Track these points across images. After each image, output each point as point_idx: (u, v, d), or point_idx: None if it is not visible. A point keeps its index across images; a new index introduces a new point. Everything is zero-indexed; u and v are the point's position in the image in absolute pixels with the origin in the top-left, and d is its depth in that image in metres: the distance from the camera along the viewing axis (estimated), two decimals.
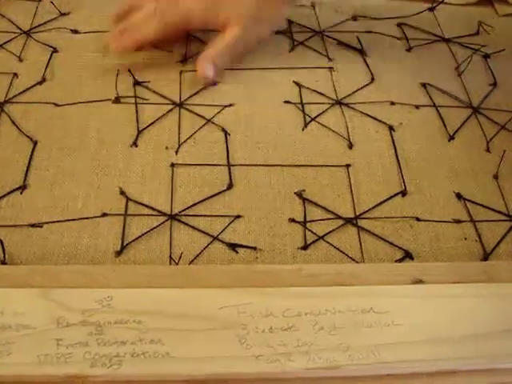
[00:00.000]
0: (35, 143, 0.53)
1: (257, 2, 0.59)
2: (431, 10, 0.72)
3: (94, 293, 0.40)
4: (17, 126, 0.54)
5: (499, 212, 0.51)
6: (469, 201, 0.52)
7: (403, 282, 0.43)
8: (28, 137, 0.53)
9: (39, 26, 0.65)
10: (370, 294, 0.42)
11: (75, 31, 0.65)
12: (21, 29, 0.64)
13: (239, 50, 0.61)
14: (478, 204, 0.51)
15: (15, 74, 0.59)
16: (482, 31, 0.70)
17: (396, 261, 0.47)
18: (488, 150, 0.56)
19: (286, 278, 0.43)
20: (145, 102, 0.58)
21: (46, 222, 0.47)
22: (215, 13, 0.59)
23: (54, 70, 0.60)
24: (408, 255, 0.47)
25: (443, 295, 0.42)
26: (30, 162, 0.51)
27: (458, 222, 0.50)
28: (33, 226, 0.47)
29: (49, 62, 0.61)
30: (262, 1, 0.59)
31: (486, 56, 0.66)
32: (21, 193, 0.49)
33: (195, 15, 0.59)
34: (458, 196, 0.52)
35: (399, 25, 0.69)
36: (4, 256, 0.45)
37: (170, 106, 0.58)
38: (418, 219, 0.50)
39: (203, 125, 0.56)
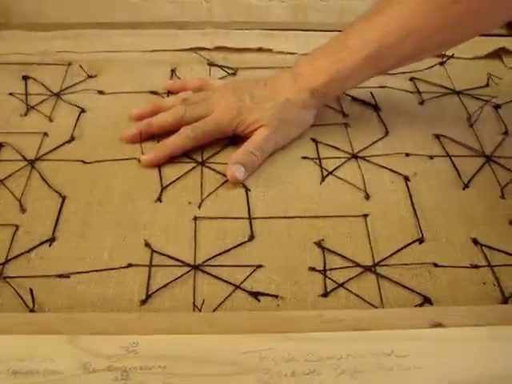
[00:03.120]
0: (64, 198, 0.56)
1: (282, 107, 0.61)
2: (442, 64, 0.74)
3: (119, 339, 0.41)
4: (46, 182, 0.57)
5: None
6: (485, 246, 0.52)
7: (422, 326, 0.43)
8: (57, 192, 0.56)
9: (68, 88, 0.69)
10: (390, 338, 0.42)
11: (101, 92, 0.69)
12: (51, 91, 0.68)
13: (268, 151, 0.61)
14: (494, 249, 0.52)
15: (45, 134, 0.62)
16: (492, 83, 0.72)
17: (415, 306, 0.48)
18: (502, 197, 0.57)
19: (307, 323, 0.44)
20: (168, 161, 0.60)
21: (74, 273, 0.49)
22: (243, 119, 0.61)
23: (82, 129, 0.64)
24: (427, 300, 0.48)
25: (463, 338, 0.43)
26: (58, 216, 0.54)
27: (476, 267, 0.51)
28: (60, 276, 0.49)
29: (77, 121, 0.64)
30: (288, 105, 0.61)
31: (497, 106, 0.68)
32: (50, 245, 0.52)
33: (225, 124, 0.61)
34: (475, 242, 0.53)
35: (411, 79, 0.72)
36: (33, 304, 0.46)
37: (193, 165, 0.60)
38: (435, 265, 0.51)
39: (224, 181, 0.58)
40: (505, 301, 0.48)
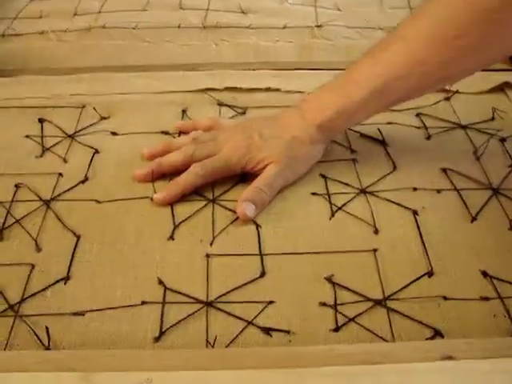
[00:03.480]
0: (78, 237, 0.57)
1: (290, 143, 0.62)
2: (447, 99, 0.76)
3: (134, 375, 0.42)
4: (61, 222, 0.58)
5: None
6: (495, 278, 0.53)
7: (433, 359, 0.44)
8: (72, 231, 0.57)
9: (82, 129, 0.70)
10: (402, 371, 0.43)
11: (115, 133, 0.70)
12: (66, 133, 0.70)
13: (278, 187, 0.62)
14: (504, 281, 0.53)
15: (60, 174, 0.64)
16: (497, 116, 0.73)
17: (426, 339, 0.48)
18: (511, 228, 0.58)
19: (318, 358, 0.44)
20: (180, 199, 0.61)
21: (88, 311, 0.50)
22: (253, 157, 0.62)
23: (96, 169, 0.65)
24: (437, 333, 0.48)
25: (474, 371, 0.43)
26: (73, 255, 0.55)
27: (486, 299, 0.51)
28: (75, 314, 0.50)
29: (91, 162, 0.66)
30: (296, 141, 0.63)
31: (503, 139, 0.69)
32: (65, 283, 0.53)
33: (234, 162, 0.62)
34: (484, 274, 0.53)
35: (418, 115, 0.73)
36: (48, 342, 0.47)
37: (204, 202, 0.61)
38: (445, 298, 0.51)
39: (235, 219, 0.59)
40: None
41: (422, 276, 0.53)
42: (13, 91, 0.76)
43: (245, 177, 0.64)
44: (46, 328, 0.48)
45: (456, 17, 0.57)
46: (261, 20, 0.93)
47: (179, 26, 0.91)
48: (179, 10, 0.96)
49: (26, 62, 0.84)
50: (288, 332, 0.49)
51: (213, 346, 0.47)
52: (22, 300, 0.51)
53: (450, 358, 0.44)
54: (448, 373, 0.43)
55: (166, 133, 0.71)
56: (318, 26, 0.91)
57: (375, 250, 0.56)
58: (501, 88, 0.78)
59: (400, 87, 0.60)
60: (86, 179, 0.64)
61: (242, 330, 0.49)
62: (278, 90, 0.78)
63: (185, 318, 0.50)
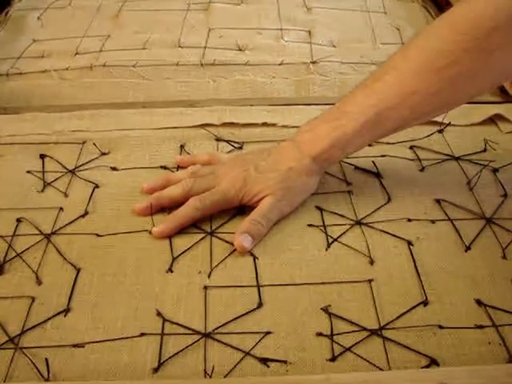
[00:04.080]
0: (78, 270, 0.58)
1: (286, 175, 0.64)
2: (440, 131, 0.77)
3: None
4: (62, 255, 0.59)
5: None
6: (489, 306, 0.54)
7: None
8: (72, 264, 0.58)
9: (83, 165, 0.72)
10: None
11: (114, 168, 0.72)
12: (67, 168, 0.71)
13: (274, 219, 0.63)
14: (498, 309, 0.53)
15: (61, 209, 0.65)
16: (489, 148, 0.74)
17: (422, 368, 0.48)
18: (504, 257, 0.59)
19: None
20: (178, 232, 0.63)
21: (88, 342, 0.51)
22: (249, 189, 0.63)
23: (96, 203, 0.66)
24: (433, 362, 0.49)
25: None
26: (73, 288, 0.56)
27: (481, 327, 0.52)
28: (75, 346, 0.51)
29: (91, 196, 0.67)
30: (291, 173, 0.64)
31: (495, 170, 0.70)
32: (65, 315, 0.53)
33: (231, 195, 0.63)
34: (479, 302, 0.54)
35: (411, 147, 0.75)
36: (48, 374, 0.48)
37: (202, 235, 0.62)
38: (440, 327, 0.52)
39: (233, 250, 0.60)
40: (511, 360, 0.49)
41: (417, 305, 0.54)
42: (16, 128, 0.77)
43: (242, 209, 0.65)
44: (46, 360, 0.48)
45: (445, 47, 0.59)
46: (257, 57, 0.95)
47: (178, 64, 0.93)
48: (178, 49, 0.98)
49: (29, 100, 0.86)
50: (285, 362, 0.50)
51: (210, 376, 0.48)
52: (22, 332, 0.52)
53: None
54: None
55: (164, 167, 0.72)
56: (314, 62, 0.93)
57: (371, 281, 0.57)
58: (492, 120, 0.79)
59: (393, 117, 0.62)
60: (86, 213, 0.65)
61: (240, 361, 0.50)
62: (274, 124, 0.79)
63: (183, 350, 0.50)
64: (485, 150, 0.74)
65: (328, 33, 1.03)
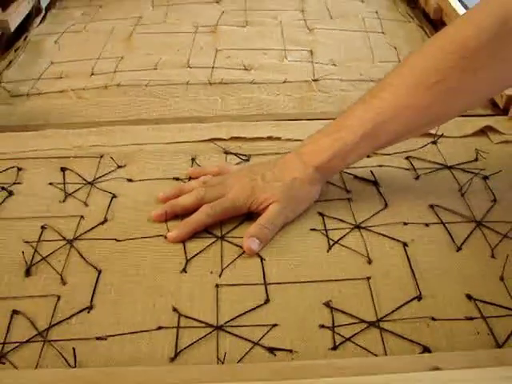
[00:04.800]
0: (99, 272, 0.63)
1: (291, 184, 0.68)
2: (434, 142, 0.82)
3: None
4: (84, 258, 0.64)
5: (507, 308, 0.57)
6: (479, 300, 0.58)
7: (422, 370, 0.49)
8: (93, 266, 0.63)
9: (101, 177, 0.77)
10: (393, 381, 0.47)
11: (130, 180, 0.76)
12: (86, 180, 0.76)
13: (280, 224, 0.68)
14: (487, 303, 0.58)
15: (82, 217, 0.70)
16: (480, 157, 0.79)
17: None
18: (493, 256, 0.63)
19: (318, 371, 0.49)
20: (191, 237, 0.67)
21: (110, 336, 0.56)
22: (256, 197, 0.68)
23: (114, 212, 0.71)
24: (426, 350, 0.53)
25: (458, 380, 0.47)
26: (95, 287, 0.61)
27: (470, 318, 0.56)
28: (98, 338, 0.55)
29: (109, 205, 0.72)
30: (295, 182, 0.68)
31: (485, 177, 0.75)
32: (88, 312, 0.58)
33: (240, 203, 0.68)
34: (469, 297, 0.59)
35: (407, 158, 0.79)
36: (75, 363, 0.53)
37: (213, 239, 0.67)
38: (433, 319, 0.56)
39: (242, 253, 0.65)
40: (498, 348, 0.53)
41: (411, 299, 0.58)
42: (38, 144, 0.82)
43: (250, 216, 0.69)
44: (73, 349, 0.53)
45: (436, 65, 0.64)
46: (262, 76, 1.00)
47: (187, 83, 0.98)
48: (187, 69, 1.03)
49: (48, 118, 0.91)
50: (290, 351, 0.54)
51: (223, 363, 0.52)
52: (50, 327, 0.57)
53: (437, 368, 0.49)
54: (435, 382, 0.48)
55: (177, 179, 0.77)
56: (315, 80, 0.98)
57: (369, 278, 0.61)
58: (483, 131, 0.84)
59: (389, 130, 0.67)
60: (105, 220, 0.70)
61: (249, 350, 0.54)
62: (278, 138, 0.84)
63: (197, 341, 0.55)
64: (476, 159, 0.78)
65: (329, 52, 1.08)
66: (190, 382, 0.48)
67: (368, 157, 0.79)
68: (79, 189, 0.75)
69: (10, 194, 0.74)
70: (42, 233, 0.68)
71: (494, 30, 0.61)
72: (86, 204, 0.72)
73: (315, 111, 0.92)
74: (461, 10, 1.07)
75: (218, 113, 0.92)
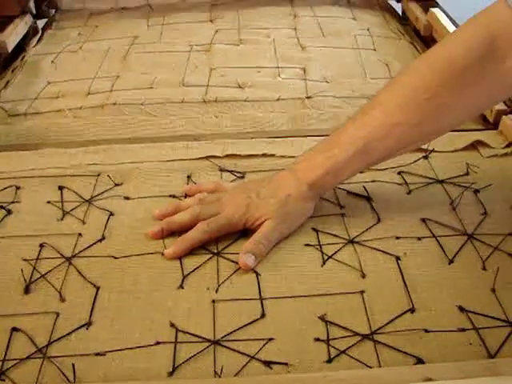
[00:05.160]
0: (98, 288, 0.63)
1: (285, 201, 0.69)
2: (425, 157, 0.83)
3: None
4: (82, 275, 0.65)
5: (499, 319, 0.58)
6: (471, 312, 0.59)
7: (415, 381, 0.50)
8: (92, 283, 0.64)
9: (98, 195, 0.78)
10: None
11: (127, 198, 0.78)
12: (83, 198, 0.77)
13: (274, 240, 0.69)
14: (479, 314, 0.59)
15: (80, 234, 0.71)
16: (471, 171, 0.80)
17: None
18: (484, 269, 0.65)
19: (313, 383, 0.50)
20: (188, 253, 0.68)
21: (109, 351, 0.56)
22: (251, 214, 0.69)
23: (111, 229, 0.72)
24: (420, 361, 0.54)
25: None
26: (93, 304, 0.62)
27: (463, 330, 0.57)
28: (97, 354, 0.56)
29: (107, 223, 0.73)
30: (289, 199, 0.69)
31: (476, 191, 0.76)
32: (87, 328, 0.59)
33: (235, 220, 0.69)
34: (461, 309, 0.60)
35: (399, 173, 0.81)
36: (74, 379, 0.53)
37: (210, 255, 0.68)
38: (426, 331, 0.57)
39: (237, 269, 0.66)
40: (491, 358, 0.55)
41: (404, 312, 0.60)
42: (35, 162, 0.84)
43: (245, 232, 0.70)
44: (73, 365, 0.54)
45: (425, 82, 0.66)
46: (256, 93, 1.02)
47: (182, 101, 0.99)
48: (182, 87, 1.04)
49: (46, 137, 0.92)
50: (286, 364, 0.55)
51: (220, 376, 0.53)
52: (49, 343, 0.57)
53: (429, 379, 0.50)
54: None
55: (173, 196, 0.78)
56: (308, 97, 1.00)
57: (362, 292, 0.62)
58: (473, 146, 0.85)
59: (380, 147, 0.68)
60: (103, 238, 0.71)
61: (246, 364, 0.55)
62: (273, 155, 0.85)
63: (195, 355, 0.56)
64: (467, 174, 0.80)
65: (321, 70, 1.10)
66: None
67: (361, 172, 0.79)
68: (77, 207, 0.76)
69: (9, 212, 0.75)
70: (40, 251, 0.69)
71: (481, 49, 0.63)
72: (83, 222, 0.74)
73: (309, 128, 0.94)
74: (450, 27, 1.09)
75: (213, 131, 0.94)
